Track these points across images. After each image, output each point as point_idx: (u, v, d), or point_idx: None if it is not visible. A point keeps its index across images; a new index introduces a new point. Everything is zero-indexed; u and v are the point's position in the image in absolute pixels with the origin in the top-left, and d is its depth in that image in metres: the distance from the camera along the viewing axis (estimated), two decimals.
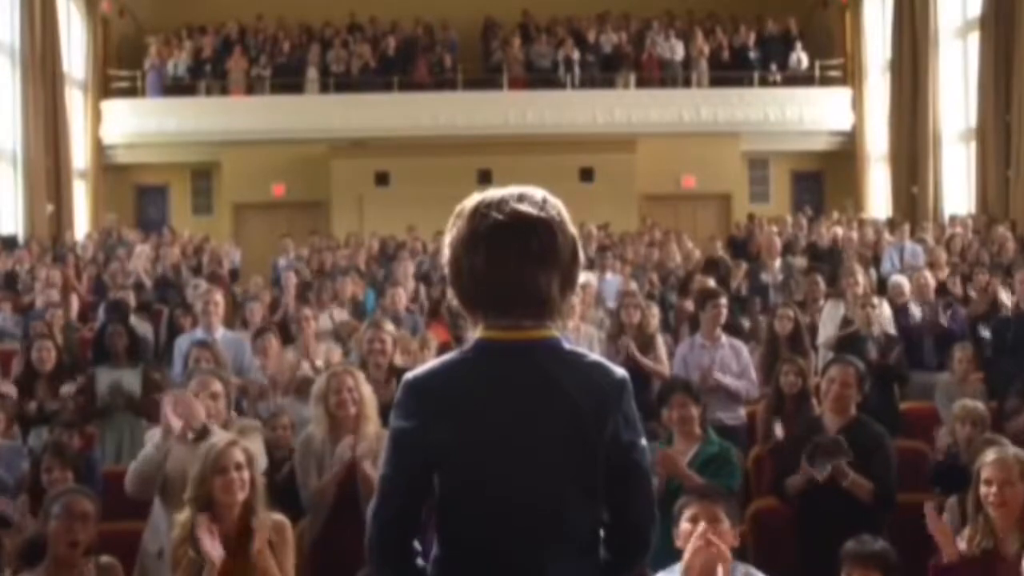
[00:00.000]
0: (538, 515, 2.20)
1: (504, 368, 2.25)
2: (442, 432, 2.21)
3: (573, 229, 2.30)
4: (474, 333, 2.32)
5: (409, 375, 2.31)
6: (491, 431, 2.21)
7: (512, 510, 2.20)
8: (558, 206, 2.29)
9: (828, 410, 5.37)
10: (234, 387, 6.74)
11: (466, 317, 2.34)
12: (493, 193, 2.29)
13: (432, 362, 2.34)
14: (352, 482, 5.09)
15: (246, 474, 4.08)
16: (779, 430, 6.64)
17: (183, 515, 4.02)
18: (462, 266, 2.25)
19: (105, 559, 4.18)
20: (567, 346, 2.31)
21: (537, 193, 2.29)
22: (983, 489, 4.28)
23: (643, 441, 2.33)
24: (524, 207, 2.24)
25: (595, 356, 2.36)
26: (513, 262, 2.21)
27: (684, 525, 3.82)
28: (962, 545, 4.25)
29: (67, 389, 7.34)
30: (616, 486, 2.27)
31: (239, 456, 4.09)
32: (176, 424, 4.58)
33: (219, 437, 4.27)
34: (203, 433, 4.52)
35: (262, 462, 4.42)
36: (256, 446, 4.71)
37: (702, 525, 3.75)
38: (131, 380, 7.41)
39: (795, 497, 5.25)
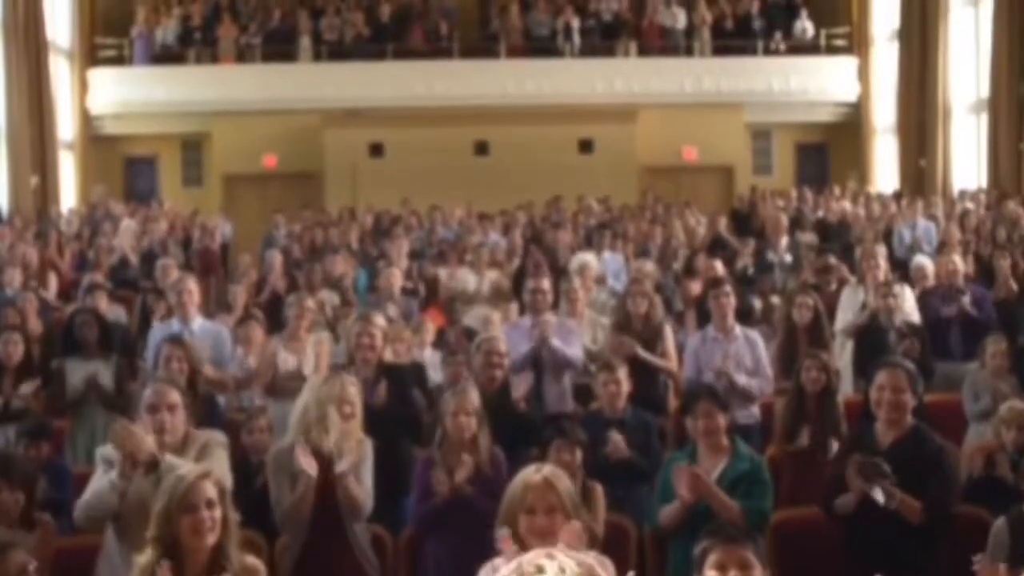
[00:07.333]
0: None
1: None
2: None
3: None
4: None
5: None
6: None
7: None
8: None
9: (881, 420, 4.82)
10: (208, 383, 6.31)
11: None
12: None
13: None
14: (332, 497, 4.66)
15: (217, 512, 3.58)
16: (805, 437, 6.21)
17: (143, 557, 3.52)
18: None
19: None
20: None
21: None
22: None
23: None
24: None
25: None
26: None
27: (710, 574, 3.31)
28: None
29: (27, 388, 6.87)
30: None
31: (210, 492, 3.59)
32: (128, 463, 4.10)
33: (187, 469, 3.75)
34: (153, 465, 4.03)
35: (227, 482, 3.93)
36: (220, 465, 4.25)
37: (732, 574, 3.29)
38: (103, 373, 6.93)
39: (843, 517, 4.77)
